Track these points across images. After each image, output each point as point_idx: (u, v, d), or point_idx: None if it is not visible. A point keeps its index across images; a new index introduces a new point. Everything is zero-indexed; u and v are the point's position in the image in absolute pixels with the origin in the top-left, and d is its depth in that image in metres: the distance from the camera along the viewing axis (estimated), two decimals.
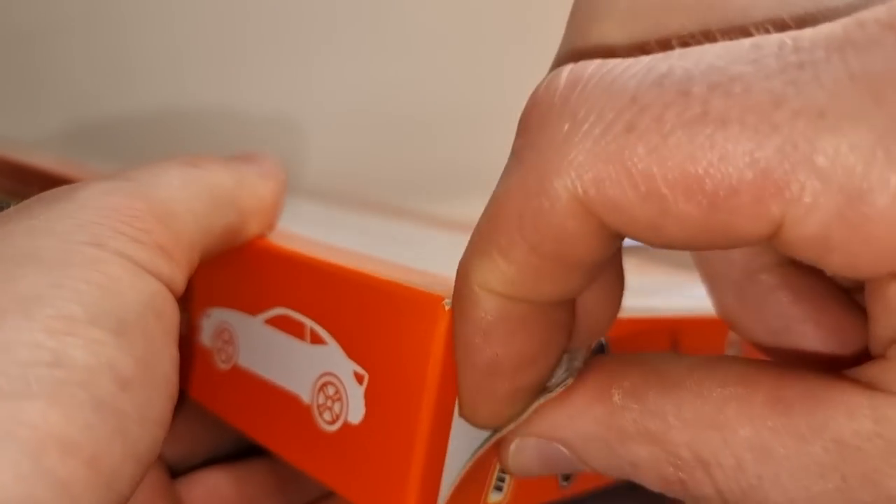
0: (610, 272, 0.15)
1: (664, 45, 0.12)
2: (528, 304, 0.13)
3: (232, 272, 0.19)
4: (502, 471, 0.16)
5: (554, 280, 0.12)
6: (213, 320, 0.19)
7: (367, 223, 0.28)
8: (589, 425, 0.13)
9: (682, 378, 0.13)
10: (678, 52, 0.11)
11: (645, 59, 0.11)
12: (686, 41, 0.12)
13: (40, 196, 0.15)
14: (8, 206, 0.16)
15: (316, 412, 0.16)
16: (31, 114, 0.37)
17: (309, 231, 0.22)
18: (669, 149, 0.10)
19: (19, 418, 0.12)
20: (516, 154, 0.12)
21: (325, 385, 0.16)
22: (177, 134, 0.40)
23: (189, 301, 0.20)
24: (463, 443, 0.15)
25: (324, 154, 0.43)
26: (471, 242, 0.13)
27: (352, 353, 0.15)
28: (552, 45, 0.15)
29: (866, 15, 0.10)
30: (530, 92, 0.12)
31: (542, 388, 0.14)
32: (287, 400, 0.17)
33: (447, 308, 0.14)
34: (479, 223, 0.13)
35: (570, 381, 0.14)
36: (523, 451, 0.14)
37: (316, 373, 0.16)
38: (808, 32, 0.11)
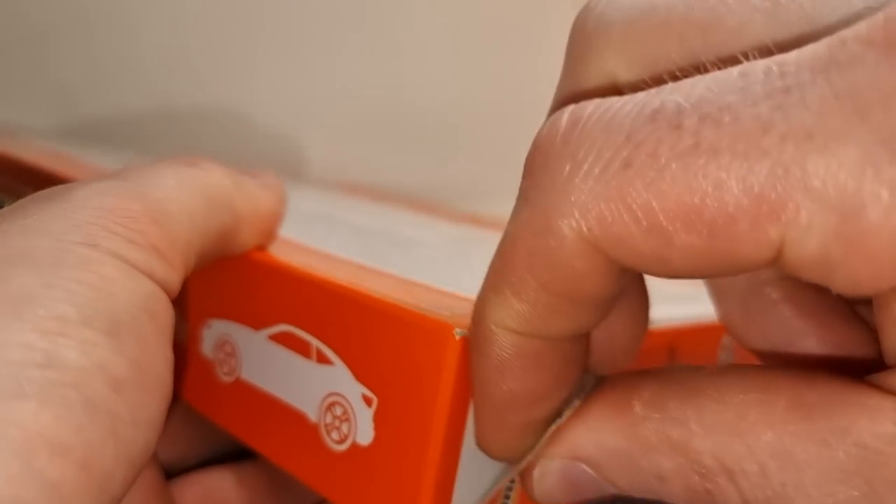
0: (632, 303, 0.15)
1: (658, 80, 0.12)
2: (541, 340, 0.13)
3: (233, 284, 0.18)
4: (507, 496, 0.16)
5: (566, 316, 0.12)
6: (214, 332, 0.19)
7: (362, 219, 0.28)
8: (611, 438, 0.13)
9: (703, 386, 0.13)
10: (670, 86, 0.11)
11: (639, 96, 0.12)
12: (677, 76, 0.12)
13: (35, 196, 0.15)
14: (2, 203, 0.15)
15: (323, 431, 0.16)
16: (30, 104, 0.37)
17: (305, 231, 0.22)
18: (666, 182, 0.11)
19: (10, 419, 0.11)
20: (523, 195, 0.12)
21: (332, 405, 0.16)
22: (179, 132, 0.40)
23: (189, 310, 0.19)
24: (472, 471, 0.15)
25: (326, 149, 0.43)
26: (485, 281, 0.13)
27: (360, 376, 0.15)
28: (559, 46, 0.15)
29: (847, 33, 0.10)
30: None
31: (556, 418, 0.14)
32: (293, 417, 0.17)
33: (458, 338, 0.14)
34: (492, 262, 0.13)
35: (577, 403, 0.14)
36: (547, 476, 0.14)
37: (322, 392, 0.16)
38: (793, 55, 0.11)
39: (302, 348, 0.17)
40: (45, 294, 0.13)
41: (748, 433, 0.12)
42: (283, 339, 0.17)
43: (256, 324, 0.18)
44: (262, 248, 0.19)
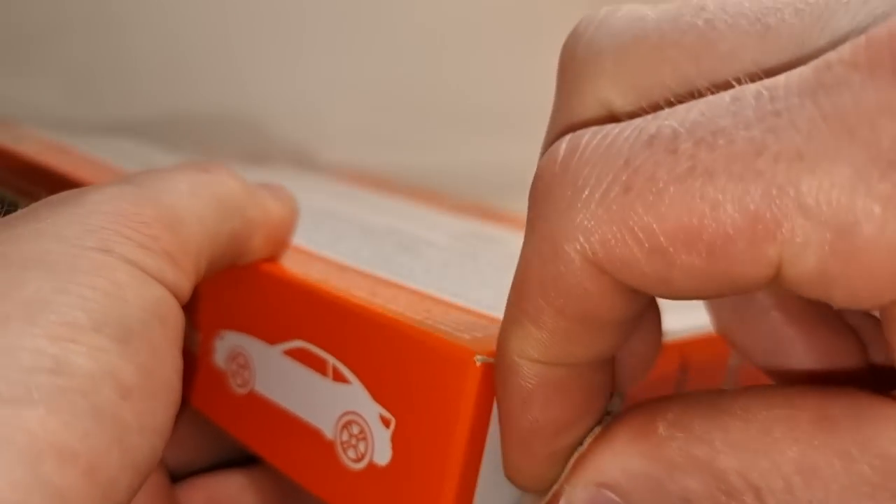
0: (645, 319, 0.15)
1: (653, 107, 0.12)
2: (564, 367, 0.13)
3: (247, 296, 0.18)
4: None
5: (585, 341, 0.13)
6: (226, 343, 0.19)
7: (370, 215, 0.28)
8: (635, 461, 0.13)
9: (727, 404, 0.13)
10: (666, 112, 0.12)
11: (636, 122, 0.12)
12: (672, 102, 0.12)
13: (48, 200, 0.15)
14: (16, 205, 0.16)
15: (339, 449, 0.16)
16: (37, 94, 0.37)
17: (315, 232, 0.22)
18: (665, 204, 0.11)
19: (17, 425, 0.11)
20: (530, 225, 0.13)
21: (349, 423, 0.16)
22: (178, 121, 0.40)
23: (201, 320, 0.19)
24: (490, 497, 0.15)
25: (335, 139, 0.43)
26: (505, 313, 0.13)
27: (377, 396, 0.15)
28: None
29: (832, 56, 0.11)
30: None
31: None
32: (308, 432, 0.17)
33: (478, 364, 0.14)
34: (509, 294, 0.13)
35: (597, 429, 0.14)
36: None
37: (339, 410, 0.16)
38: (782, 79, 0.11)
39: (318, 365, 0.17)
40: (57, 299, 0.13)
41: (773, 449, 0.12)
42: (299, 355, 0.17)
43: (271, 338, 0.18)
44: (274, 257, 0.19)
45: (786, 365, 0.16)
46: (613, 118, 0.13)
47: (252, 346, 0.18)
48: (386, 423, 0.15)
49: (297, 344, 0.17)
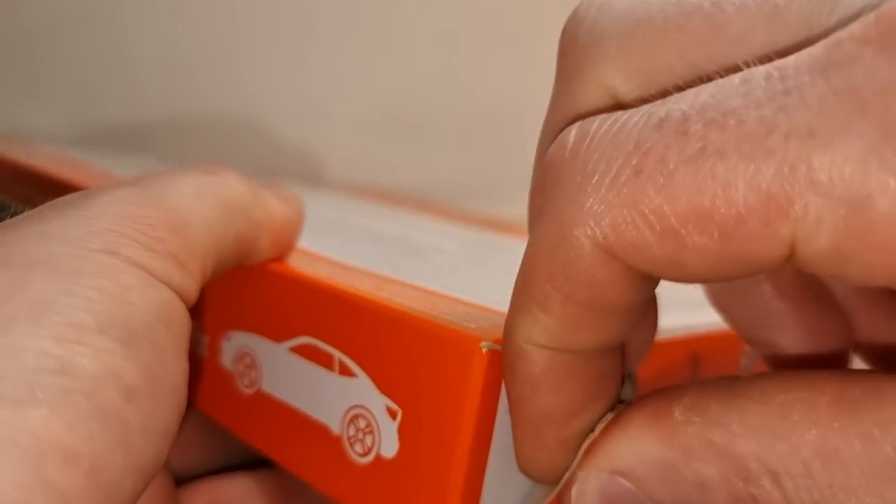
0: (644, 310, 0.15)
1: (661, 93, 0.12)
2: (572, 354, 0.13)
3: (253, 296, 0.18)
4: None
5: (593, 328, 0.12)
6: (233, 343, 0.19)
7: (378, 225, 0.28)
8: (650, 446, 0.13)
9: (745, 388, 0.13)
10: (675, 97, 0.12)
11: (644, 107, 0.12)
12: (680, 87, 0.12)
13: (53, 202, 0.15)
14: (17, 211, 0.16)
15: (346, 443, 0.16)
16: (44, 109, 0.37)
17: (322, 239, 0.22)
18: (676, 186, 0.11)
19: (21, 425, 0.11)
20: (539, 211, 0.13)
21: (355, 417, 0.16)
22: (192, 135, 0.40)
23: (208, 322, 0.19)
24: (499, 486, 0.15)
25: (341, 152, 0.43)
26: (512, 299, 0.13)
27: (383, 388, 0.15)
28: None
29: (842, 34, 0.11)
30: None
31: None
32: (315, 429, 0.17)
33: (485, 351, 0.14)
34: (516, 280, 0.13)
35: (609, 416, 0.14)
36: (586, 494, 0.14)
37: (346, 405, 0.16)
38: (791, 59, 0.11)
39: (324, 360, 0.17)
40: (62, 301, 0.13)
41: (792, 432, 0.12)
42: (305, 352, 0.17)
43: (277, 336, 0.18)
44: (280, 259, 0.19)
45: (771, 338, 0.16)
46: (617, 104, 0.13)
47: (259, 346, 0.18)
48: (392, 414, 0.15)
49: (303, 340, 0.17)
